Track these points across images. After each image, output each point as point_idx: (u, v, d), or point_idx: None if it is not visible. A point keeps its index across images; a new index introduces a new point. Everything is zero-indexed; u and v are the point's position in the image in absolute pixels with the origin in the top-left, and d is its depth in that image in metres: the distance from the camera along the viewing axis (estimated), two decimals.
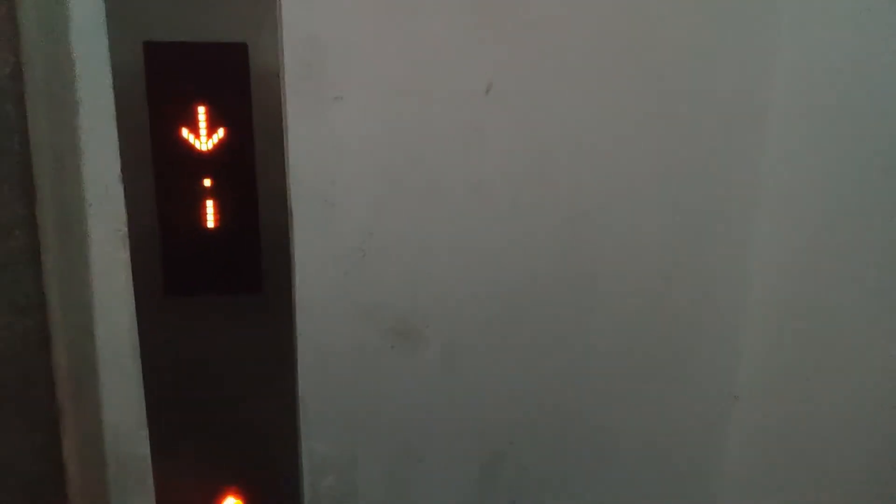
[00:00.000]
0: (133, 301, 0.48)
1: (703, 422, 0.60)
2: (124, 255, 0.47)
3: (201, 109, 0.46)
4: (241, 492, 0.52)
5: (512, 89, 0.51)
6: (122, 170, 0.46)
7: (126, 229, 0.47)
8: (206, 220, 0.48)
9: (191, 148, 0.47)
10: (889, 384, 0.57)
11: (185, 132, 0.46)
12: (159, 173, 0.46)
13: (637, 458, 0.59)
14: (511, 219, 0.53)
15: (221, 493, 0.52)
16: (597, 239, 0.55)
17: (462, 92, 0.50)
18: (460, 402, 0.55)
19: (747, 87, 0.55)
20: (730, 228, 0.57)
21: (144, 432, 0.50)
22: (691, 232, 0.56)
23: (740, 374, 0.60)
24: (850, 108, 0.55)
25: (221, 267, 0.49)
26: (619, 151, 0.54)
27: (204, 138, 0.47)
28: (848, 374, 0.58)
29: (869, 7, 0.53)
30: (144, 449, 0.50)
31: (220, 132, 0.47)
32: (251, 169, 0.48)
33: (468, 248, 0.53)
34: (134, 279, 0.48)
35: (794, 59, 0.55)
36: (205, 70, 0.46)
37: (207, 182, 0.47)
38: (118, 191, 0.46)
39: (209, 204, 0.47)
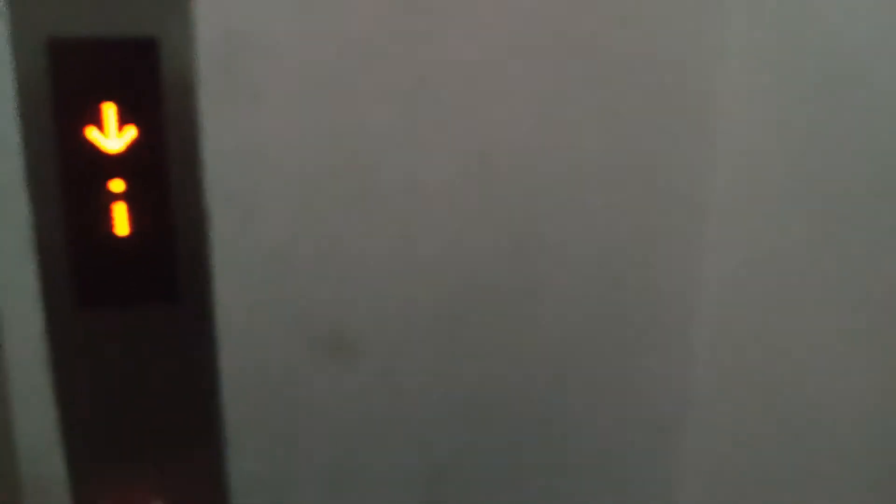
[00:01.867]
0: (41, 314, 0.45)
1: (656, 428, 0.58)
2: (30, 265, 0.44)
3: (110, 109, 0.44)
4: None
5: (447, 84, 0.49)
6: (26, 173, 0.43)
7: (32, 236, 0.44)
8: (116, 226, 0.45)
9: (99, 150, 0.44)
10: (846, 385, 0.55)
11: (92, 133, 0.44)
12: (66, 177, 0.44)
13: (588, 469, 0.57)
14: (448, 221, 0.50)
15: None
16: (541, 243, 0.52)
17: (390, 85, 0.48)
18: (398, 415, 0.52)
19: (695, 82, 0.52)
20: (681, 230, 0.54)
21: (59, 452, 0.47)
22: (640, 234, 0.54)
23: (694, 380, 0.58)
24: (807, 103, 0.53)
25: (134, 275, 0.46)
26: (562, 150, 0.51)
27: (113, 139, 0.44)
28: (804, 376, 0.56)
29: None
30: (61, 470, 0.48)
31: (131, 132, 0.44)
32: (164, 171, 0.45)
33: (404, 254, 0.50)
34: (42, 291, 0.45)
35: (745, 52, 0.52)
36: (113, 67, 0.44)
37: (118, 186, 0.45)
38: (21, 195, 0.44)
39: (120, 208, 0.45)
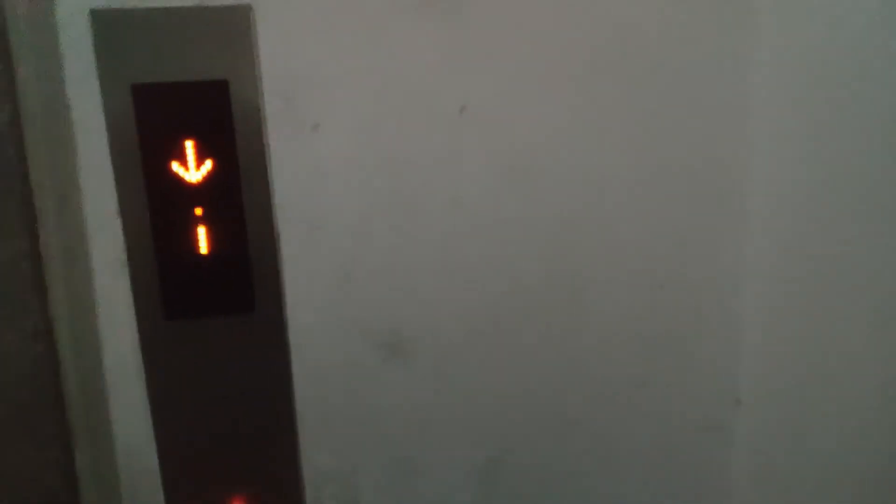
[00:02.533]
0: (135, 325, 0.51)
1: (704, 426, 0.61)
2: (125, 283, 0.50)
3: (189, 144, 0.50)
4: (246, 500, 0.55)
5: (485, 108, 0.53)
6: (119, 204, 0.49)
7: (125, 258, 0.50)
8: (198, 247, 0.51)
9: (181, 180, 0.50)
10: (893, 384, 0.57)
11: (174, 166, 0.50)
12: (153, 205, 0.50)
13: (637, 462, 0.60)
14: (492, 232, 0.55)
15: (231, 498, 0.55)
16: (582, 248, 0.56)
17: (436, 114, 0.52)
18: (454, 411, 0.57)
19: (728, 90, 0.55)
20: (721, 232, 0.57)
21: (153, 447, 0.53)
22: (680, 238, 0.57)
23: (742, 378, 0.61)
24: (836, 105, 0.55)
25: (215, 290, 0.52)
26: (601, 161, 0.55)
27: (193, 170, 0.50)
28: (850, 376, 0.58)
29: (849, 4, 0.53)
30: (154, 463, 0.54)
31: (208, 164, 0.50)
32: (238, 196, 0.51)
33: (452, 262, 0.55)
34: (135, 305, 0.51)
35: (775, 60, 0.55)
36: (190, 107, 0.49)
37: (198, 211, 0.50)
38: (116, 223, 0.49)
39: (201, 231, 0.51)
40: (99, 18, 0.47)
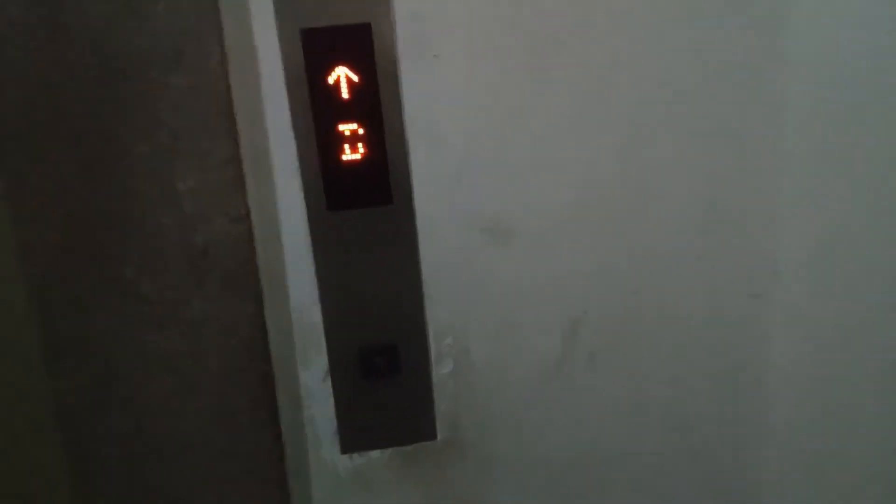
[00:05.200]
0: (305, 214, 0.68)
1: (748, 293, 0.75)
2: (298, 182, 0.67)
3: (342, 73, 0.65)
4: (386, 350, 0.72)
5: (573, 42, 0.66)
6: (292, 122, 0.66)
7: (297, 163, 0.66)
8: (351, 153, 0.67)
9: (338, 101, 0.66)
10: None
11: (332, 89, 0.65)
12: (318, 121, 0.66)
13: (692, 325, 0.74)
14: (576, 137, 0.68)
15: (371, 350, 0.73)
16: (651, 148, 0.70)
17: (533, 45, 0.66)
18: (542, 282, 0.72)
19: (762, 89, 0.68)
20: (759, 141, 0.70)
21: (318, 307, 0.71)
22: (729, 151, 0.70)
23: (780, 253, 0.74)
24: (866, 108, 0.66)
25: (363, 188, 0.68)
26: (660, 82, 0.68)
27: (345, 94, 0.66)
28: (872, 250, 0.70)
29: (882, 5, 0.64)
30: (318, 319, 0.71)
31: (356, 87, 0.66)
32: (379, 113, 0.66)
33: (542, 164, 0.69)
34: (304, 199, 0.68)
35: (807, 59, 0.67)
36: (343, 45, 0.65)
37: (350, 126, 0.66)
38: (290, 136, 0.66)
39: (353, 141, 0.67)
40: None
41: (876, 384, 0.79)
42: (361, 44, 0.65)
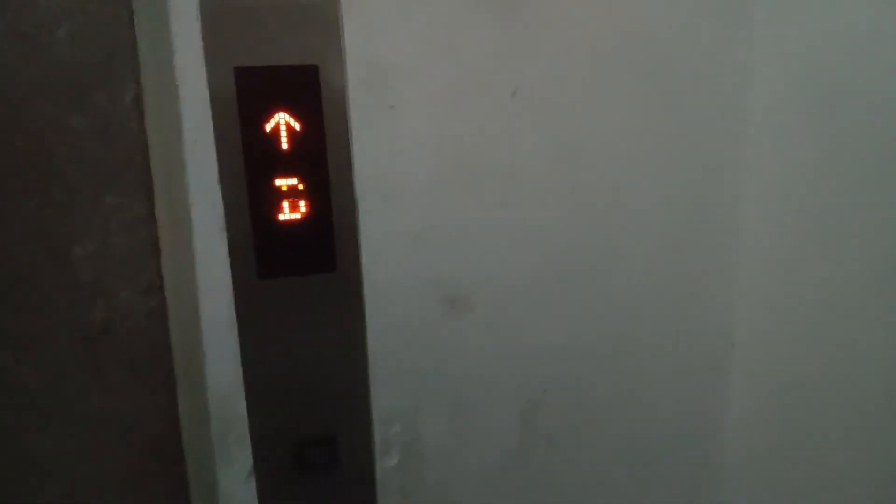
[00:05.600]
0: (230, 283, 0.57)
1: (706, 366, 0.71)
2: (223, 246, 0.56)
3: (283, 121, 0.56)
4: (323, 441, 0.62)
5: (534, 92, 0.61)
6: (219, 174, 0.55)
7: (224, 223, 0.56)
8: (289, 213, 0.57)
9: (275, 153, 0.56)
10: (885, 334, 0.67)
11: (269, 139, 0.56)
12: (250, 175, 0.56)
13: (653, 400, 0.70)
14: (539, 200, 0.63)
15: (305, 443, 0.62)
16: (611, 218, 0.65)
17: (493, 97, 0.60)
18: (501, 358, 0.65)
19: (731, 85, 0.65)
20: (723, 204, 0.67)
21: (241, 393, 0.60)
22: (688, 204, 0.67)
23: (737, 324, 0.71)
24: (831, 97, 0.64)
25: (302, 252, 0.58)
26: (623, 147, 0.64)
27: (285, 144, 0.56)
28: (843, 323, 0.68)
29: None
30: (242, 408, 0.60)
31: (298, 137, 0.57)
32: (324, 168, 0.57)
33: (505, 227, 0.63)
34: (231, 265, 0.57)
35: (772, 52, 0.65)
36: (284, 88, 0.56)
37: (290, 181, 0.57)
38: (216, 191, 0.55)
39: (292, 199, 0.57)
40: (206, 8, 0.53)
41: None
42: (307, 87, 0.56)
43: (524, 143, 0.62)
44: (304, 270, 0.59)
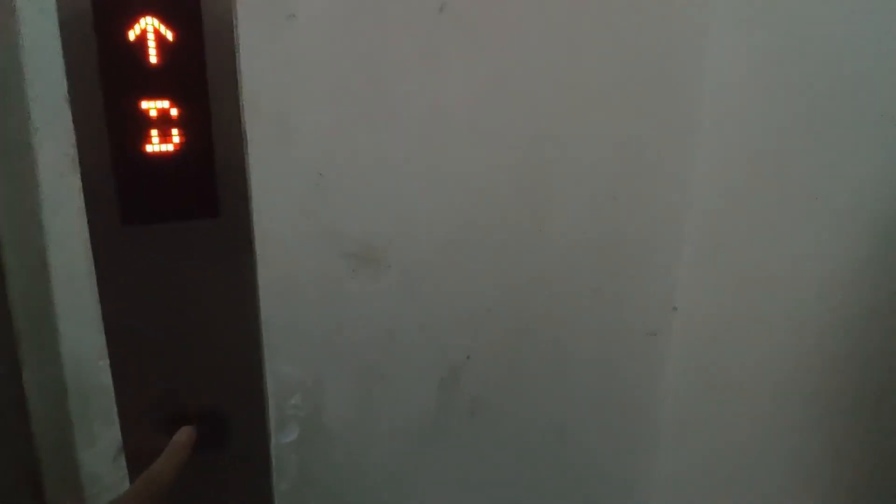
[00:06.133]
0: (87, 229, 0.46)
1: (644, 331, 0.64)
2: (76, 182, 0.45)
3: (149, 24, 0.45)
4: (207, 416, 0.53)
5: (465, 7, 0.51)
6: (69, 91, 0.44)
7: (76, 152, 0.45)
8: (159, 144, 0.47)
9: (141, 66, 0.45)
10: (819, 291, 0.61)
11: (133, 49, 0.45)
12: (108, 93, 0.45)
13: (586, 366, 0.63)
14: (467, 140, 0.54)
15: (186, 418, 0.53)
16: (550, 162, 0.57)
17: (417, 10, 0.50)
18: (419, 322, 0.57)
19: (687, 17, 0.57)
20: (671, 154, 0.59)
21: (105, 362, 0.50)
22: (634, 156, 0.59)
23: (679, 288, 0.64)
24: (784, 45, 0.57)
25: (177, 193, 0.48)
26: (570, 78, 0.55)
27: (153, 56, 0.45)
28: (780, 286, 0.62)
29: None
30: (106, 379, 0.50)
31: (171, 49, 0.45)
32: (204, 89, 0.47)
33: (427, 172, 0.54)
34: (87, 207, 0.46)
35: (727, 46, 0.57)
36: None
37: (160, 104, 0.46)
38: (66, 113, 0.44)
39: (161, 128, 0.46)
40: None
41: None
42: None
43: (451, 70, 0.52)
44: (180, 216, 0.49)
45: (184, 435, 0.50)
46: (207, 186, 0.48)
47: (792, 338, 0.62)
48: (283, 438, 0.55)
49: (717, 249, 0.63)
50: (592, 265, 0.61)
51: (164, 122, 0.46)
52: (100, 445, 0.51)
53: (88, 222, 0.47)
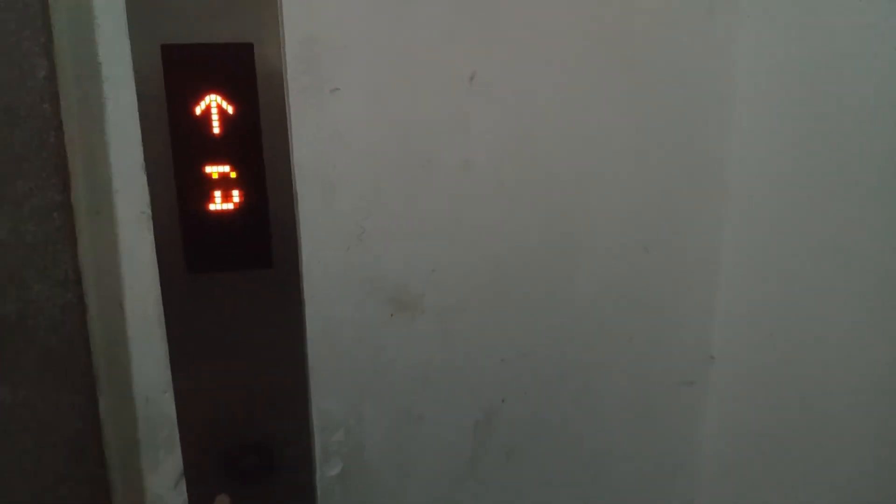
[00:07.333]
0: (157, 277, 0.53)
1: (681, 380, 0.65)
2: (149, 236, 0.52)
3: (214, 102, 0.52)
4: (259, 447, 0.58)
5: (493, 77, 0.56)
6: (145, 159, 0.51)
7: (150, 211, 0.52)
8: (221, 203, 0.53)
9: (205, 138, 0.52)
10: (863, 340, 0.61)
11: (199, 122, 0.52)
12: (178, 161, 0.52)
13: (620, 413, 0.65)
14: (496, 195, 0.58)
15: (240, 450, 0.58)
16: (578, 212, 0.60)
17: (448, 81, 0.55)
18: (454, 364, 0.60)
19: (712, 73, 0.60)
20: (703, 202, 0.62)
21: (170, 395, 0.56)
22: (665, 205, 0.61)
23: (715, 336, 0.66)
24: (812, 94, 0.59)
25: (236, 245, 0.54)
26: (596, 134, 0.59)
27: (216, 127, 0.52)
28: (819, 335, 0.63)
29: None
30: (171, 410, 0.56)
31: (231, 121, 0.52)
32: (259, 154, 0.53)
33: (458, 223, 0.58)
34: (158, 258, 0.53)
35: (756, 44, 0.59)
36: (216, 68, 0.52)
37: (221, 168, 0.53)
38: (141, 178, 0.51)
39: (223, 189, 0.53)
40: None
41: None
42: (240, 67, 0.52)
43: (481, 133, 0.57)
44: (237, 266, 0.55)
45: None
46: (262, 240, 0.54)
47: (835, 388, 0.63)
48: (327, 471, 0.59)
49: (753, 296, 0.64)
50: (626, 314, 0.63)
51: (225, 183, 0.53)
52: (162, 470, 0.57)
53: (159, 271, 0.53)
